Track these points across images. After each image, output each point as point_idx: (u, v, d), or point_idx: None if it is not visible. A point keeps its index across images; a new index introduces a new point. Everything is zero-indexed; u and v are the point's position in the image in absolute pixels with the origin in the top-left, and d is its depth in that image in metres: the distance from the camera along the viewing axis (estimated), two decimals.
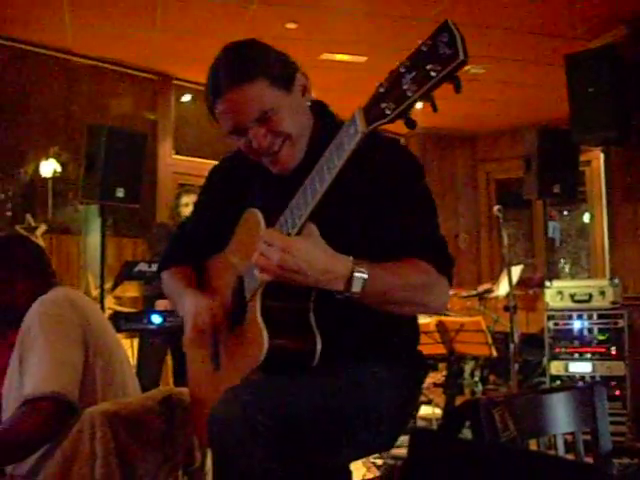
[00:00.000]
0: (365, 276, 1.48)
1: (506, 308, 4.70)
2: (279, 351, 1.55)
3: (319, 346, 1.56)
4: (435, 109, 1.26)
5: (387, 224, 1.66)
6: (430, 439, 1.46)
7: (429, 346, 4.55)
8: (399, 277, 1.57)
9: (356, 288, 1.48)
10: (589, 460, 1.80)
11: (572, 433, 1.83)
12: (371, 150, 1.63)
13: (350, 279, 1.48)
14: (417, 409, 5.19)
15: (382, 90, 1.32)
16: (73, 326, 2.02)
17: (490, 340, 4.47)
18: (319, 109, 1.84)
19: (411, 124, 1.31)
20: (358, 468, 3.88)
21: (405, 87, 1.27)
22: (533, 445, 1.78)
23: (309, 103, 1.79)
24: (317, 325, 1.59)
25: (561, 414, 1.80)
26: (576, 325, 4.92)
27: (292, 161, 1.73)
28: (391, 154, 1.74)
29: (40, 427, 1.89)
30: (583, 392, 1.89)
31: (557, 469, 1.33)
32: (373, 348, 1.72)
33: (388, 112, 1.30)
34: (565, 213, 9.67)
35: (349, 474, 1.87)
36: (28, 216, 5.81)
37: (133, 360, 4.74)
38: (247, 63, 1.68)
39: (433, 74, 1.23)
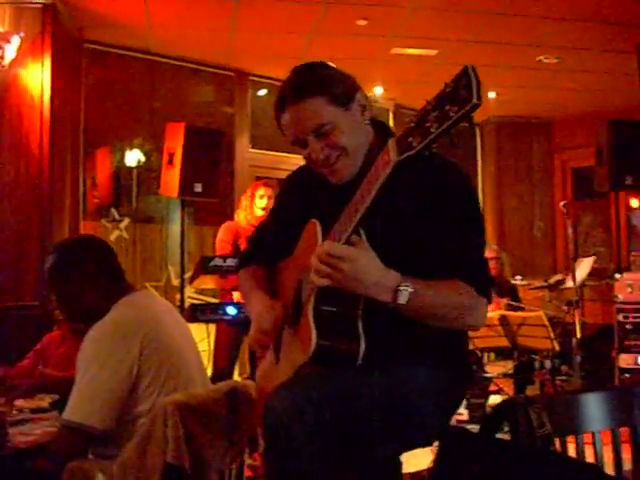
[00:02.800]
0: (411, 289, 1.65)
1: (569, 303, 4.72)
2: (326, 350, 1.70)
3: (363, 347, 1.71)
4: (453, 146, 1.40)
5: (433, 244, 1.79)
6: (461, 438, 1.59)
7: (493, 339, 4.63)
8: (442, 296, 1.73)
9: (401, 300, 1.65)
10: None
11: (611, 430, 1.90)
12: (424, 170, 1.77)
13: (397, 291, 1.65)
14: (486, 398, 5.27)
15: (412, 125, 1.46)
16: (124, 353, 2.23)
17: (552, 334, 4.50)
18: (381, 128, 1.97)
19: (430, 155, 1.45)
20: None
21: (428, 124, 1.41)
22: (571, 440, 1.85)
23: (367, 121, 1.92)
24: (366, 328, 1.73)
25: (599, 412, 1.87)
26: None
27: (347, 173, 1.88)
28: (442, 175, 1.85)
29: (59, 450, 2.24)
30: (621, 393, 1.97)
31: (579, 474, 1.43)
32: (419, 351, 1.84)
33: (415, 145, 1.45)
34: None
35: (399, 464, 2.02)
36: (113, 209, 6.11)
37: (210, 346, 4.96)
38: (309, 81, 1.84)
39: (451, 114, 1.37)
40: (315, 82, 1.83)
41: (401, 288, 1.65)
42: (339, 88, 1.84)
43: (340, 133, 1.83)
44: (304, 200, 2.05)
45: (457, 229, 1.81)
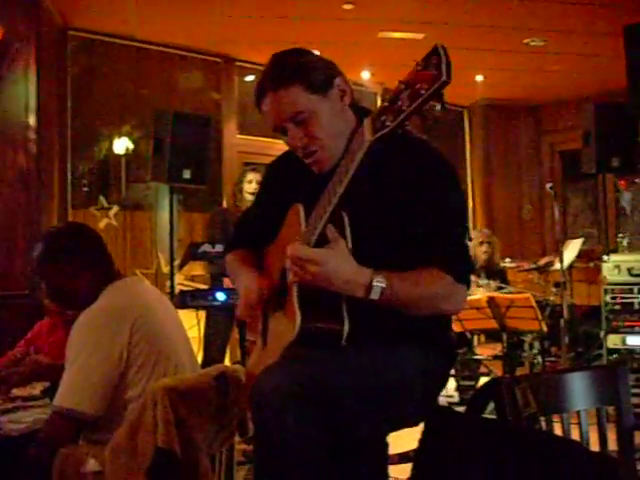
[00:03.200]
0: (383, 285, 1.69)
1: (556, 284, 4.75)
2: (311, 332, 1.73)
3: (347, 329, 1.73)
4: (425, 121, 1.41)
5: (411, 230, 1.81)
6: (447, 417, 1.62)
7: (482, 321, 4.66)
8: (416, 287, 1.75)
9: (374, 296, 1.70)
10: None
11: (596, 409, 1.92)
12: (404, 154, 1.79)
13: (369, 288, 1.69)
14: (476, 380, 5.32)
15: (386, 104, 1.49)
16: (113, 339, 2.24)
17: (540, 316, 4.53)
18: (363, 113, 1.96)
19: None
20: None
21: (400, 103, 1.44)
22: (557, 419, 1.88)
23: (348, 107, 1.92)
24: (350, 310, 1.75)
25: (584, 392, 1.90)
26: (634, 299, 4.93)
27: (327, 162, 1.89)
28: (422, 160, 1.87)
29: (51, 437, 2.26)
30: (606, 372, 1.99)
31: (562, 451, 1.45)
32: (403, 332, 1.86)
33: (388, 124, 1.48)
34: (637, 180, 9.46)
35: (385, 445, 2.04)
36: (101, 197, 6.11)
37: (200, 333, 4.96)
38: (286, 70, 1.85)
39: (422, 92, 1.40)
40: (292, 70, 1.84)
41: (373, 284, 1.69)
42: (317, 75, 1.85)
43: (318, 122, 1.85)
44: (288, 185, 2.07)
45: (435, 215, 1.82)
